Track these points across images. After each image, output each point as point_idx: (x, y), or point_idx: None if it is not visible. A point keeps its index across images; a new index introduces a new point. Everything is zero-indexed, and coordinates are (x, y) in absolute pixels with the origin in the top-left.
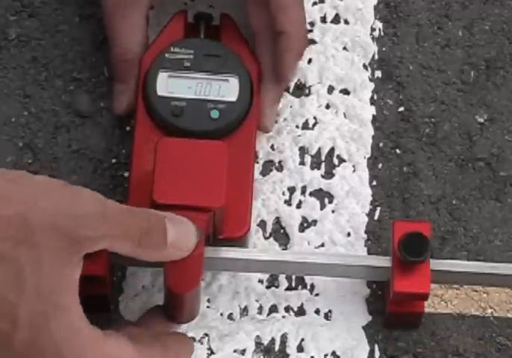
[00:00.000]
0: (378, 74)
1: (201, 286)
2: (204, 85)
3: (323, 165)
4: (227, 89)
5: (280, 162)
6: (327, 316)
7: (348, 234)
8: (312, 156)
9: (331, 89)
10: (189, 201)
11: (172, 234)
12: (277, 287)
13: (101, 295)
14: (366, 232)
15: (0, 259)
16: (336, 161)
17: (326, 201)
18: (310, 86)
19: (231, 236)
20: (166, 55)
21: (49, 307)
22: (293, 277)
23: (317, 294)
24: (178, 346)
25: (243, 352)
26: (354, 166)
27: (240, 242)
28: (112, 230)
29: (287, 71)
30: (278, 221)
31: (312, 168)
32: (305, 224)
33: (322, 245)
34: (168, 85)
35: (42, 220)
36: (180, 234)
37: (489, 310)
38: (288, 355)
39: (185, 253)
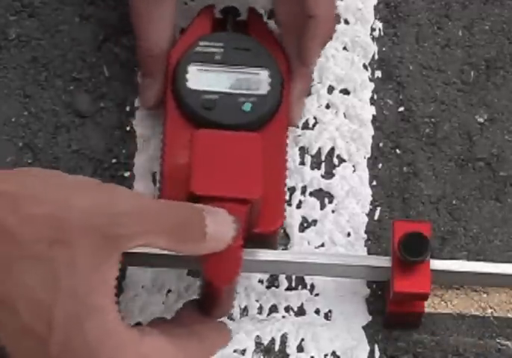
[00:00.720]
0: (378, 74)
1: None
2: (235, 78)
3: (323, 165)
4: (258, 82)
5: None
6: (327, 316)
7: (348, 234)
8: (312, 157)
9: (331, 89)
10: (227, 192)
11: (210, 226)
12: (277, 287)
13: None
14: (366, 232)
15: (34, 259)
16: (336, 161)
17: (326, 200)
18: (311, 86)
19: (266, 229)
20: (196, 49)
21: (83, 308)
22: (293, 277)
23: (317, 294)
24: (213, 335)
25: (243, 352)
26: (354, 166)
27: (273, 237)
28: (148, 226)
29: (311, 56)
30: None
31: (312, 168)
32: (305, 224)
33: (322, 245)
34: (199, 78)
35: (76, 219)
36: (219, 226)
37: (489, 310)
38: (288, 355)
39: (223, 246)
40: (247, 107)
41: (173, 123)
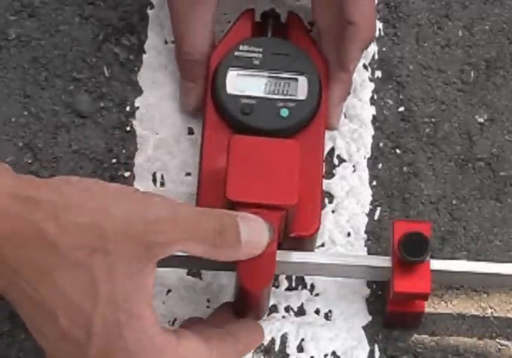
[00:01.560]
0: (378, 74)
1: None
2: (274, 83)
3: (323, 165)
4: (296, 87)
5: None
6: (327, 316)
7: (348, 234)
8: None
9: None
10: (262, 198)
11: (245, 232)
12: (277, 287)
13: None
14: (366, 232)
15: (75, 267)
16: (336, 161)
17: (326, 200)
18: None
19: (302, 233)
20: (236, 53)
21: (122, 315)
22: (293, 277)
23: (317, 294)
24: (247, 334)
25: None
26: (354, 166)
27: (309, 241)
28: (185, 233)
29: (351, 61)
30: None
31: None
32: None
33: (322, 245)
34: (237, 83)
35: (115, 228)
36: (253, 232)
37: (490, 310)
38: (288, 355)
39: (259, 251)
40: (284, 112)
41: (211, 127)
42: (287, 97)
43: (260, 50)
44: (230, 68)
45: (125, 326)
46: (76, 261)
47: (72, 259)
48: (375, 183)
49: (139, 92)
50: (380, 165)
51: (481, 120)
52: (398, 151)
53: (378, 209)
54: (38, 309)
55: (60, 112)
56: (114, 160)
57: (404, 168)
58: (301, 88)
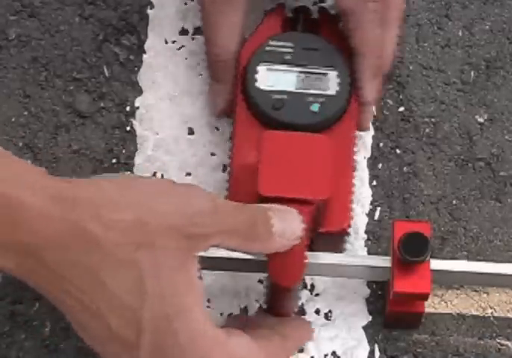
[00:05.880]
0: None
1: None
2: (304, 78)
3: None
4: (326, 82)
5: None
6: (327, 316)
7: (348, 234)
8: None
9: None
10: (294, 193)
11: (277, 224)
12: None
13: None
14: (366, 232)
15: (120, 264)
16: None
17: None
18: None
19: (332, 229)
20: (266, 48)
21: (171, 309)
22: None
23: (317, 295)
24: (295, 332)
25: None
26: None
27: (340, 237)
28: (223, 225)
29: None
30: None
31: None
32: None
33: None
34: (268, 78)
35: (158, 222)
36: (286, 223)
37: (490, 310)
38: None
39: (291, 244)
40: (315, 107)
41: (242, 123)
42: (318, 92)
43: (291, 45)
44: (261, 64)
45: (174, 320)
46: (121, 258)
47: (117, 256)
48: (375, 183)
49: (139, 92)
50: (380, 165)
51: (481, 120)
52: (398, 151)
53: (378, 209)
54: (85, 311)
55: (60, 112)
56: (114, 160)
57: (404, 168)
58: (331, 83)
